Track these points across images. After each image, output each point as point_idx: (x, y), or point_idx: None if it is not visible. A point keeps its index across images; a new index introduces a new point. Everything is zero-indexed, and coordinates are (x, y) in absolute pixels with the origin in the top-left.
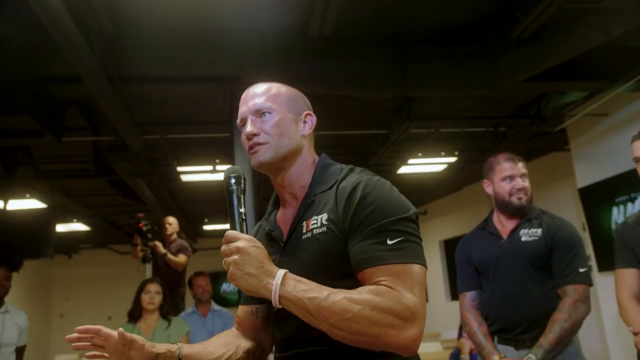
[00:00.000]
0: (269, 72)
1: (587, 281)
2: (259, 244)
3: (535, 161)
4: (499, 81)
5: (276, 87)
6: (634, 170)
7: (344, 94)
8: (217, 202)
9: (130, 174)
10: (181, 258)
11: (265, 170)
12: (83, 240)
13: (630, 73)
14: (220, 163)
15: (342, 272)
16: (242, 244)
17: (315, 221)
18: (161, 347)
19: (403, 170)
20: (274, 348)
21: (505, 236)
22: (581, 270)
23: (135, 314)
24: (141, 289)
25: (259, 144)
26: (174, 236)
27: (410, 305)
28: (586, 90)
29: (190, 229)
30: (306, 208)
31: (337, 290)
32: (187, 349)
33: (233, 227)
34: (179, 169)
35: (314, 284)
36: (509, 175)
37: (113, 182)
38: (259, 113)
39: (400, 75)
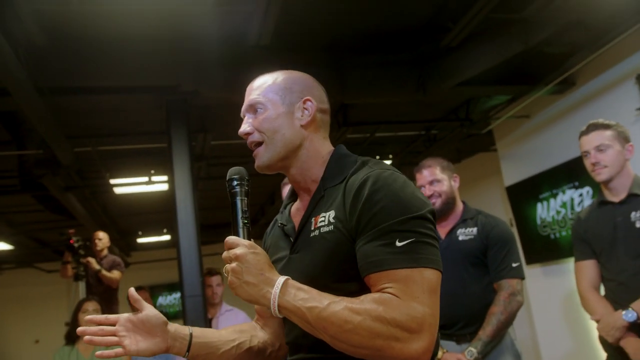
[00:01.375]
0: (208, 81)
1: (520, 275)
2: (259, 249)
3: (465, 162)
4: (430, 87)
5: (273, 78)
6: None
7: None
8: (151, 213)
9: (59, 189)
10: (115, 274)
11: (270, 172)
12: (6, 259)
13: (548, 77)
14: (156, 174)
15: (349, 274)
16: (240, 251)
17: (323, 218)
18: (172, 325)
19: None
20: None
21: (443, 236)
22: (514, 265)
23: (73, 336)
24: (78, 308)
25: (256, 143)
26: (105, 252)
27: (417, 316)
28: (509, 94)
29: (124, 243)
30: (316, 203)
31: (339, 299)
32: (196, 329)
33: (235, 232)
34: (112, 181)
35: (314, 292)
36: (420, 185)
37: (40, 198)
38: (253, 109)
39: (338, 83)
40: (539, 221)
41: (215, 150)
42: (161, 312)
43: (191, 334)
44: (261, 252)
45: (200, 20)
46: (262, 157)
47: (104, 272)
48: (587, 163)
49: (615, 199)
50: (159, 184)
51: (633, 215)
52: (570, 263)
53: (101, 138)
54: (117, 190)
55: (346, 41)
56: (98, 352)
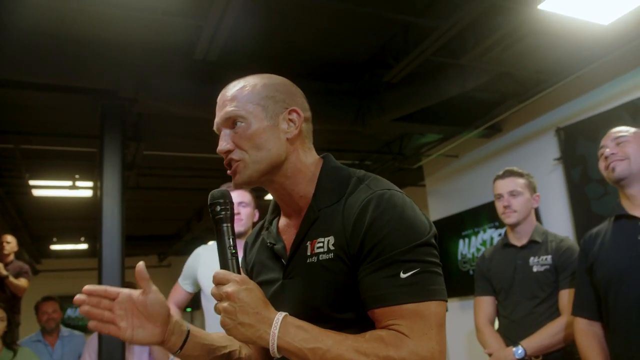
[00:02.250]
0: (148, 90)
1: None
2: (251, 284)
3: None
4: (369, 119)
5: (251, 85)
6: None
7: None
8: (69, 219)
9: None
10: (22, 282)
11: (249, 187)
12: None
13: (478, 122)
14: (81, 179)
15: (349, 304)
16: (232, 288)
17: (321, 244)
18: (174, 317)
19: (268, 197)
20: None
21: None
22: None
23: None
24: None
25: (234, 160)
26: (12, 257)
27: (426, 355)
28: (441, 133)
29: (35, 248)
30: (310, 225)
31: (343, 337)
32: (193, 327)
33: (222, 263)
34: (32, 182)
35: (316, 331)
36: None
37: None
38: (231, 122)
39: None
40: (459, 257)
41: (147, 160)
42: (69, 325)
43: (189, 331)
44: (254, 288)
45: (148, 28)
46: (243, 174)
47: (12, 279)
48: (499, 206)
49: (518, 243)
50: (82, 189)
51: (531, 260)
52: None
53: (26, 136)
54: (36, 193)
55: (291, 65)
56: (91, 323)
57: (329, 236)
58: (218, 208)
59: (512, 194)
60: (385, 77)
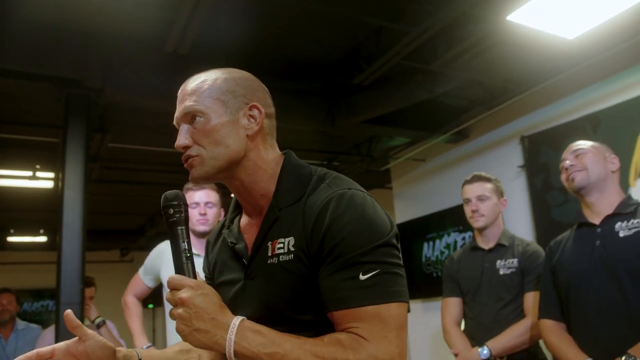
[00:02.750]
0: (116, 81)
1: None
2: (207, 289)
3: None
4: (339, 120)
5: (211, 79)
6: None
7: None
8: (28, 211)
9: None
10: None
11: (207, 183)
12: None
13: (446, 127)
14: (41, 170)
15: (310, 305)
16: (187, 294)
17: (281, 245)
18: (120, 349)
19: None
20: None
21: None
22: None
23: None
24: None
25: (191, 156)
26: None
27: (386, 358)
28: (409, 137)
29: None
30: (270, 224)
31: (301, 341)
32: (144, 352)
33: (177, 267)
34: None
35: (273, 335)
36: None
37: None
38: (189, 117)
39: None
40: (423, 259)
41: (112, 152)
42: (26, 320)
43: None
44: (210, 292)
45: (118, 18)
46: (199, 169)
47: None
48: (467, 210)
49: (486, 246)
50: (43, 180)
51: (498, 263)
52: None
53: None
54: None
55: (262, 63)
56: None
57: (289, 237)
58: (171, 211)
59: (480, 198)
60: (356, 79)
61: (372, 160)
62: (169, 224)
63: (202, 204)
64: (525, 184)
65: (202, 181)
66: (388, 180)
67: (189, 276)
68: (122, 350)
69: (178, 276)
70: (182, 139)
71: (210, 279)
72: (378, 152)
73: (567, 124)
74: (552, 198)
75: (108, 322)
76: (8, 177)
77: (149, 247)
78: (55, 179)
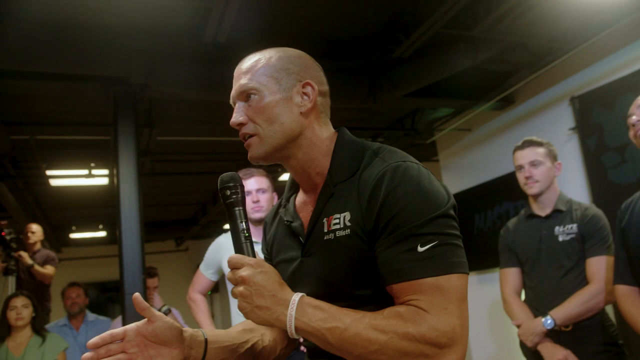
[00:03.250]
0: (159, 76)
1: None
2: (266, 267)
3: None
4: (380, 95)
5: (266, 58)
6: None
7: None
8: (88, 208)
9: None
10: (49, 269)
11: (267, 163)
12: None
13: (491, 94)
14: (96, 167)
15: (368, 280)
16: (247, 272)
17: (337, 220)
18: (186, 331)
19: (284, 177)
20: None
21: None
22: None
23: (2, 333)
24: (5, 306)
25: (249, 134)
26: (38, 245)
27: (447, 330)
28: (453, 107)
29: (55, 238)
30: (326, 201)
31: (361, 314)
32: (209, 332)
33: (237, 247)
34: (49, 172)
35: (333, 310)
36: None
37: None
38: (245, 96)
39: None
40: (475, 231)
41: (160, 146)
42: (94, 311)
43: (206, 340)
44: (270, 270)
45: (155, 13)
46: (258, 149)
47: (37, 267)
48: (520, 176)
49: (542, 213)
50: (99, 177)
51: (557, 229)
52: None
53: (40, 126)
54: (54, 182)
55: (302, 45)
56: None
57: (345, 212)
58: (228, 192)
59: (533, 164)
60: (395, 52)
61: (417, 134)
62: (227, 205)
63: (253, 192)
64: (578, 147)
65: (260, 161)
66: (434, 153)
67: (249, 255)
68: (189, 330)
69: (238, 255)
70: (237, 116)
71: (269, 258)
72: (422, 125)
73: (620, 80)
74: (607, 159)
75: (173, 310)
76: (65, 176)
77: (202, 236)
78: (110, 175)
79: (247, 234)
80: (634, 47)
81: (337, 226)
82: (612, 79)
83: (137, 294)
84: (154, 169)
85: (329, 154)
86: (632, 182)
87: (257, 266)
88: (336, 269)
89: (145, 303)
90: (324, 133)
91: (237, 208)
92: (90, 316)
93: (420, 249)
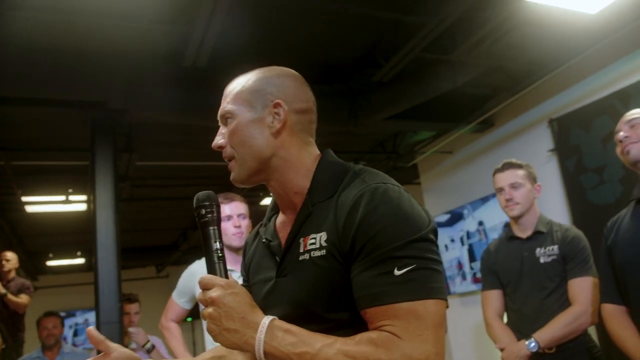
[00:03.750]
0: (138, 100)
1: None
2: (237, 288)
3: None
4: (362, 119)
5: (245, 81)
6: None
7: (216, 125)
8: (65, 235)
9: None
10: (23, 298)
11: (249, 185)
12: None
13: (471, 117)
14: (74, 193)
15: (342, 303)
16: (217, 293)
17: (313, 240)
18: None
19: (266, 201)
20: None
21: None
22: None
23: None
24: None
25: (226, 157)
26: (12, 274)
27: (421, 358)
28: (434, 130)
29: (31, 265)
30: (303, 220)
31: (332, 340)
32: None
33: (209, 268)
34: (24, 198)
35: (304, 334)
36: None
37: None
38: (224, 119)
39: None
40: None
41: (140, 171)
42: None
43: None
44: (241, 292)
45: (135, 37)
46: (236, 173)
47: (10, 297)
48: (501, 199)
49: (523, 235)
50: (76, 203)
51: (538, 251)
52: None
53: (16, 152)
54: (30, 209)
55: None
56: None
57: (321, 232)
58: (203, 211)
59: (513, 186)
60: (375, 76)
61: (398, 157)
62: (201, 224)
63: (234, 216)
64: (557, 168)
65: (241, 184)
66: (416, 176)
67: (221, 276)
68: None
69: (209, 276)
70: (217, 139)
71: (247, 280)
72: (404, 148)
73: (597, 102)
74: (586, 180)
75: (155, 339)
76: (42, 202)
77: (183, 262)
78: (88, 201)
79: (220, 254)
80: (609, 70)
81: (313, 246)
82: (589, 101)
83: (90, 328)
84: (133, 194)
85: (309, 174)
86: (611, 202)
87: (227, 287)
88: (308, 290)
89: (100, 336)
90: (302, 152)
91: (211, 227)
92: (66, 347)
93: (397, 272)
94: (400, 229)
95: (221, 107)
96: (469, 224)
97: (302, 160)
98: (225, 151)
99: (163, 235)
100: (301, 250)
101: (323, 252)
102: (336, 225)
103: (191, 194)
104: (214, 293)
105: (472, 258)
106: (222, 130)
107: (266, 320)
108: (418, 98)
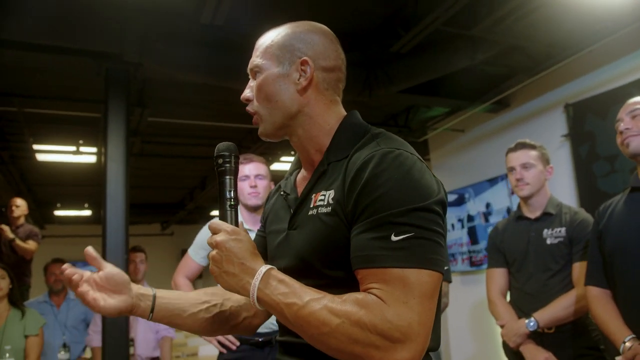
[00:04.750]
0: (153, 55)
1: (447, 279)
2: (242, 235)
3: None
4: (376, 90)
5: (274, 35)
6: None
7: (230, 85)
8: (73, 185)
9: None
10: (31, 245)
11: (274, 140)
12: None
13: (486, 96)
14: (85, 145)
15: (340, 261)
16: (221, 237)
17: (322, 197)
18: (134, 286)
19: (275, 167)
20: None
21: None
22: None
23: None
24: None
25: (251, 112)
26: (22, 220)
27: (401, 325)
28: (448, 107)
29: (39, 214)
30: (318, 177)
31: (321, 296)
32: (161, 290)
33: (221, 214)
34: (36, 147)
35: (296, 286)
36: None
37: None
38: (253, 73)
39: None
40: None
41: (151, 127)
42: None
43: (154, 295)
44: (244, 239)
45: None
46: (261, 127)
47: (19, 242)
48: (512, 178)
49: (532, 215)
50: (86, 155)
51: (545, 232)
52: (484, 274)
53: (30, 99)
54: (40, 157)
55: None
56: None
57: (330, 190)
58: (221, 160)
59: (525, 166)
60: (393, 47)
61: (410, 131)
62: (218, 173)
63: (252, 177)
64: (569, 154)
65: (266, 137)
66: (426, 152)
67: (230, 223)
68: (137, 285)
69: (218, 221)
70: (245, 92)
71: (263, 229)
72: (416, 123)
73: (615, 90)
74: (598, 168)
75: None
76: (53, 152)
77: (188, 221)
78: (98, 154)
79: (232, 203)
80: (631, 58)
81: (321, 203)
82: (608, 89)
83: (88, 247)
84: (143, 149)
85: (330, 133)
86: (621, 191)
87: (232, 233)
88: (310, 244)
89: (95, 253)
90: (327, 111)
91: (227, 176)
92: (72, 294)
93: (394, 238)
94: (404, 195)
95: (251, 60)
96: (470, 207)
97: (326, 118)
98: (252, 104)
99: (170, 193)
100: (311, 206)
101: (328, 209)
102: (343, 184)
103: (200, 153)
104: (218, 237)
105: (473, 241)
106: (251, 83)
107: (263, 268)
108: (435, 72)
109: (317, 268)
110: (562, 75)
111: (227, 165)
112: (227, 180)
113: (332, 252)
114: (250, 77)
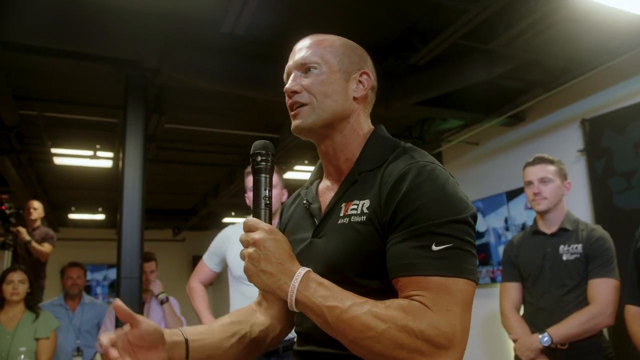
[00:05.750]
0: (172, 62)
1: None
2: (280, 235)
3: None
4: (392, 102)
5: (331, 39)
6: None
7: (247, 94)
8: (88, 189)
9: None
10: (46, 247)
11: (305, 136)
12: None
13: (502, 109)
14: (102, 149)
15: (374, 270)
16: (259, 235)
17: (355, 206)
18: (166, 333)
19: (288, 175)
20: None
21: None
22: None
23: None
24: (2, 279)
25: (300, 104)
26: (38, 222)
27: (447, 331)
28: (463, 120)
29: (53, 217)
30: (348, 187)
31: (363, 300)
32: (189, 330)
33: (255, 212)
34: (54, 150)
35: (336, 290)
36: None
37: None
38: (304, 68)
39: None
40: None
41: (167, 133)
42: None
43: (186, 340)
44: (282, 239)
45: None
46: (306, 118)
47: (34, 244)
48: (529, 192)
49: (548, 230)
50: (103, 159)
51: (561, 248)
52: (495, 288)
53: (49, 103)
54: (58, 161)
55: None
56: None
57: (364, 199)
58: (259, 158)
59: (543, 180)
60: (410, 59)
61: (424, 143)
62: (255, 170)
63: None
64: (585, 169)
65: (303, 132)
66: (440, 164)
67: (265, 222)
68: (167, 330)
69: (254, 219)
70: (293, 84)
71: None
72: (430, 135)
73: (633, 106)
74: (614, 184)
75: (171, 299)
76: (70, 156)
77: (200, 228)
78: (115, 159)
79: (267, 202)
80: None
81: (354, 212)
82: (625, 105)
83: (118, 302)
84: (158, 155)
85: (361, 144)
86: (638, 208)
87: (270, 232)
88: (342, 252)
89: (127, 310)
90: (364, 124)
91: (263, 175)
92: (87, 298)
93: (434, 248)
94: (443, 207)
95: (303, 55)
96: (478, 224)
97: (362, 129)
98: (301, 96)
99: (183, 200)
100: (341, 215)
101: (363, 218)
102: (380, 194)
103: (215, 161)
104: (257, 235)
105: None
106: (298, 76)
107: (302, 270)
108: (452, 85)
109: (349, 276)
110: (579, 90)
111: (264, 163)
112: (263, 179)
113: (365, 261)
114: (297, 71)
